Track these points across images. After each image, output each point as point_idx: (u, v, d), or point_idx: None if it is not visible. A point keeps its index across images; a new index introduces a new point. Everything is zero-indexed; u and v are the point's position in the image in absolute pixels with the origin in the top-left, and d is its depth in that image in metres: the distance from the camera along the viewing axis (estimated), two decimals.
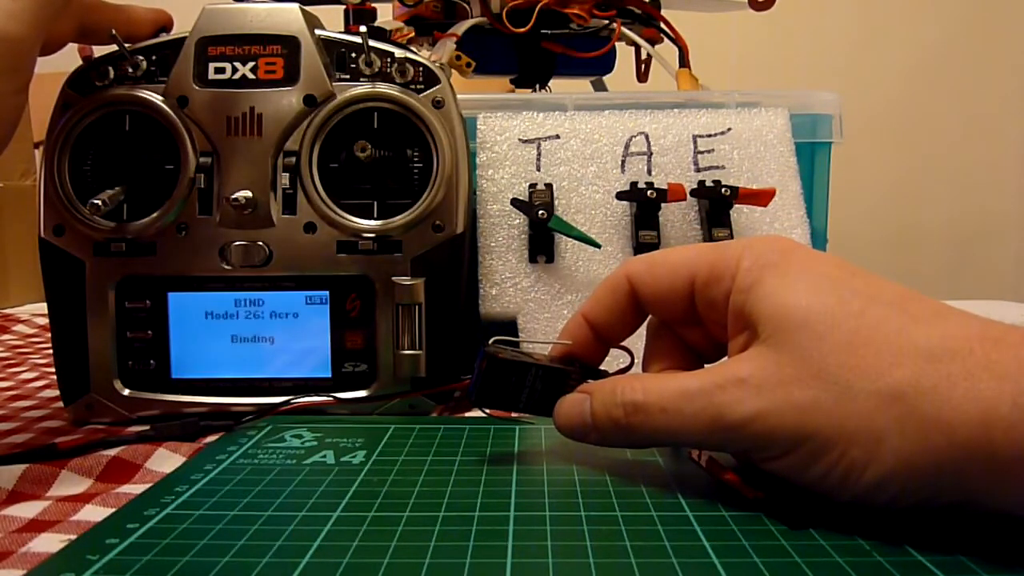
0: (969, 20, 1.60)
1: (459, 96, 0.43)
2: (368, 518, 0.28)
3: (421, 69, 0.42)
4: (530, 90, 0.70)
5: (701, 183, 0.49)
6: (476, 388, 0.33)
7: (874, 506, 0.25)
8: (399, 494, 0.30)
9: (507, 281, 0.49)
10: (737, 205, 0.49)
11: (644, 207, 0.49)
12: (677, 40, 0.65)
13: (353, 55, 0.42)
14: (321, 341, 0.42)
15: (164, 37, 0.41)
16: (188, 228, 0.41)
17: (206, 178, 0.41)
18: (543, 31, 0.66)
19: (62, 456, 0.34)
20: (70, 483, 0.33)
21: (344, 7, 0.60)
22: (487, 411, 0.39)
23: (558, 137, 0.51)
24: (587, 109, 0.52)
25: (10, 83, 0.33)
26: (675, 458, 0.34)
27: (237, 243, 0.41)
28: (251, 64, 0.41)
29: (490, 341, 0.34)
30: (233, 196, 0.39)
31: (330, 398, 0.41)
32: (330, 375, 0.42)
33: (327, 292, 0.41)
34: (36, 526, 0.28)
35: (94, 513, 0.29)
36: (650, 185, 0.48)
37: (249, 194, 0.40)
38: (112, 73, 0.41)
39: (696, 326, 0.32)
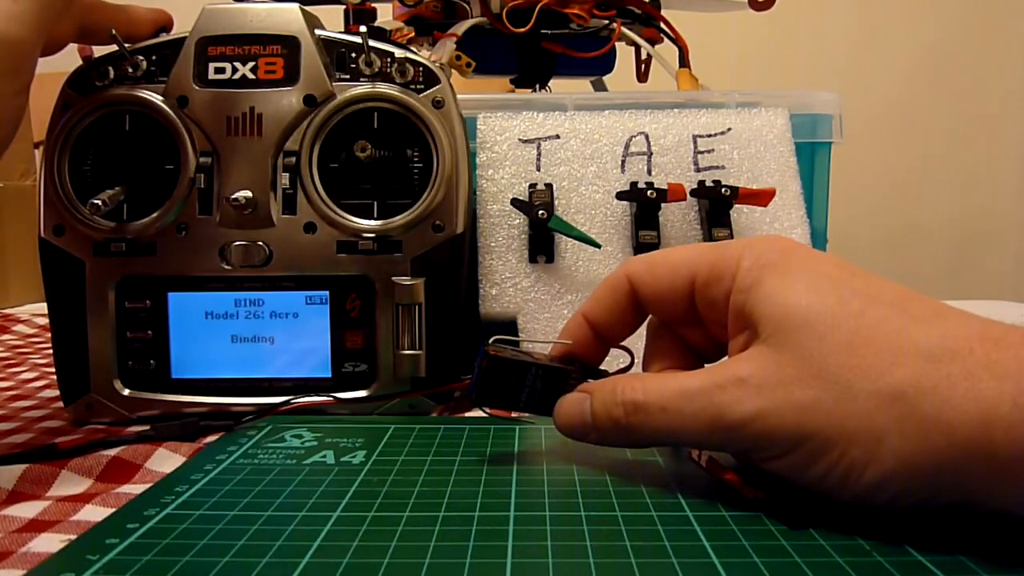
0: (969, 20, 1.60)
1: (459, 96, 0.43)
2: (368, 518, 0.28)
3: (421, 69, 0.42)
4: (530, 90, 0.70)
5: (701, 183, 0.49)
6: (476, 387, 0.33)
7: (874, 506, 0.25)
8: (399, 494, 0.30)
9: (507, 281, 0.49)
10: (737, 205, 0.49)
11: (644, 207, 0.49)
12: (677, 40, 0.65)
13: (353, 55, 0.42)
14: (321, 341, 0.42)
15: (164, 37, 0.41)
16: (188, 228, 0.41)
17: (206, 178, 0.41)
18: (543, 31, 0.66)
19: (62, 456, 0.34)
20: (70, 483, 0.33)
21: (344, 7, 0.60)
22: (487, 410, 0.39)
23: (558, 137, 0.51)
24: (587, 109, 0.52)
25: (11, 85, 0.33)
26: (675, 458, 0.34)
27: (237, 243, 0.41)
28: (251, 64, 0.41)
29: (490, 341, 0.34)
30: (233, 196, 0.39)
31: (330, 398, 0.41)
32: (330, 375, 0.42)
33: (327, 292, 0.41)
34: (36, 526, 0.28)
35: (94, 513, 0.29)
36: (650, 185, 0.48)
37: (249, 194, 0.40)
38: (112, 73, 0.41)
39: (696, 326, 0.32)
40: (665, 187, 0.47)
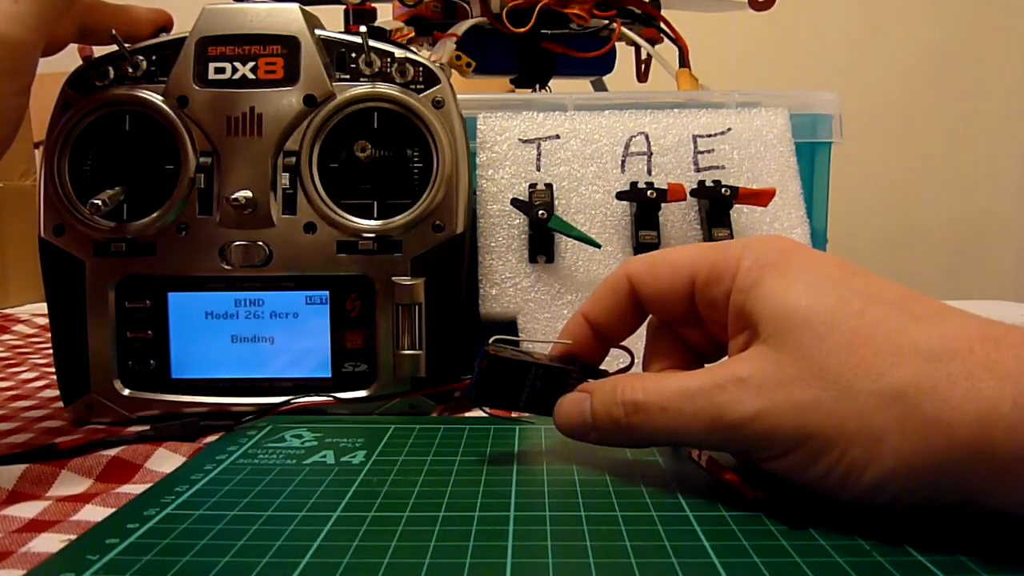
0: (969, 20, 1.60)
1: (459, 96, 0.43)
2: (368, 518, 0.28)
3: (421, 69, 0.42)
4: (530, 90, 0.70)
5: (701, 183, 0.49)
6: (476, 387, 0.33)
7: (874, 506, 0.25)
8: (399, 494, 0.30)
9: (507, 281, 0.49)
10: (737, 205, 0.49)
11: (644, 207, 0.49)
12: (677, 40, 0.65)
13: (353, 55, 0.42)
14: (321, 341, 0.42)
15: (164, 37, 0.41)
16: (188, 228, 0.41)
17: (206, 178, 0.41)
18: (543, 31, 0.66)
19: (62, 456, 0.34)
20: (70, 483, 0.33)
21: (344, 7, 0.60)
22: (487, 410, 0.39)
23: (558, 137, 0.51)
24: (587, 109, 0.52)
25: (12, 85, 0.33)
26: (675, 458, 0.34)
27: (237, 243, 0.41)
28: (251, 64, 0.41)
29: (490, 340, 0.34)
30: (233, 196, 0.39)
31: (330, 398, 0.41)
32: (330, 375, 0.42)
33: (327, 292, 0.41)
34: (36, 526, 0.28)
35: (94, 513, 0.29)
36: (650, 185, 0.48)
37: (249, 194, 0.40)
38: (112, 73, 0.41)
39: (696, 326, 0.32)
40: (665, 187, 0.47)
